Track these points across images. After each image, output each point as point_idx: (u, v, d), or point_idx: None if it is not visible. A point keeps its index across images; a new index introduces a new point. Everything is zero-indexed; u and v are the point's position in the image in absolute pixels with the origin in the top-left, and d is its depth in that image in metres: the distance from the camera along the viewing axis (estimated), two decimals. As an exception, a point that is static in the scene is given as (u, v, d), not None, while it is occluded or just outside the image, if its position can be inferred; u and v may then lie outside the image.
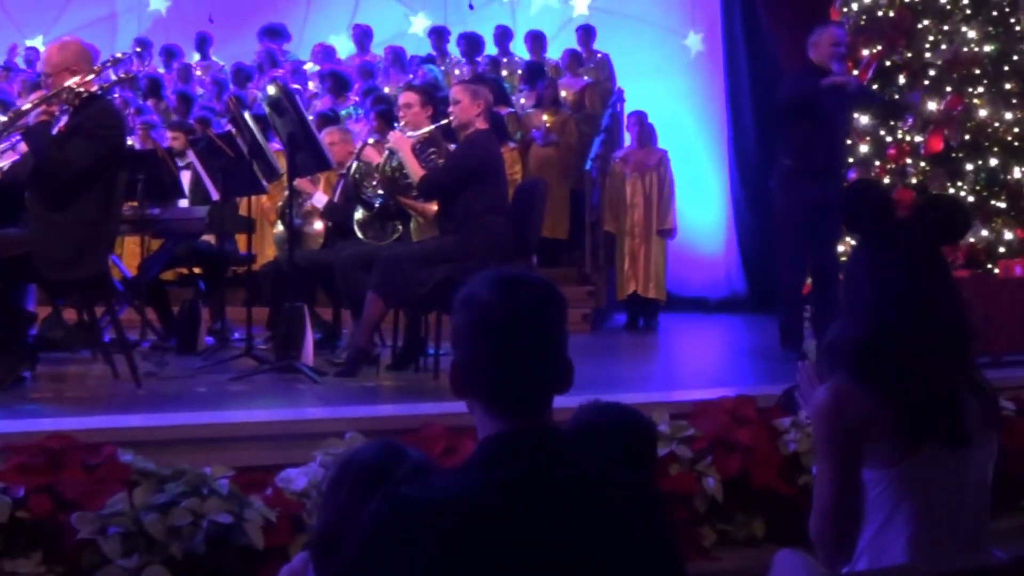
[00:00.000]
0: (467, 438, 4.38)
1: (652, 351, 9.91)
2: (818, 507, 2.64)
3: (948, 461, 2.60)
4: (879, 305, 2.69)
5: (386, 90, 12.39)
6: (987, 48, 9.63)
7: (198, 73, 14.27)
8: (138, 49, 14.05)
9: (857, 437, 2.57)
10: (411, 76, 12.71)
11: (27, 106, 6.08)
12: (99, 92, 6.14)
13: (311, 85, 13.46)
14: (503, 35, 13.62)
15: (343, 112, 11.97)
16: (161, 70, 14.07)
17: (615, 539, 2.01)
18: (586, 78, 12.87)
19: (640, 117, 11.43)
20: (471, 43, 13.24)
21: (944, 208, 2.82)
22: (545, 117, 11.94)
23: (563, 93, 12.41)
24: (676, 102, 13.54)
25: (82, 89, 5.95)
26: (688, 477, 4.75)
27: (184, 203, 8.73)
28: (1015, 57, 9.79)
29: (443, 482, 2.03)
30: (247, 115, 7.53)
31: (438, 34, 13.87)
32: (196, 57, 14.66)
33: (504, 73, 13.30)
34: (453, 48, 13.61)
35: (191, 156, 8.25)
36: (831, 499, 2.61)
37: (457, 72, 12.71)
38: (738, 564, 4.62)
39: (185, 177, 8.81)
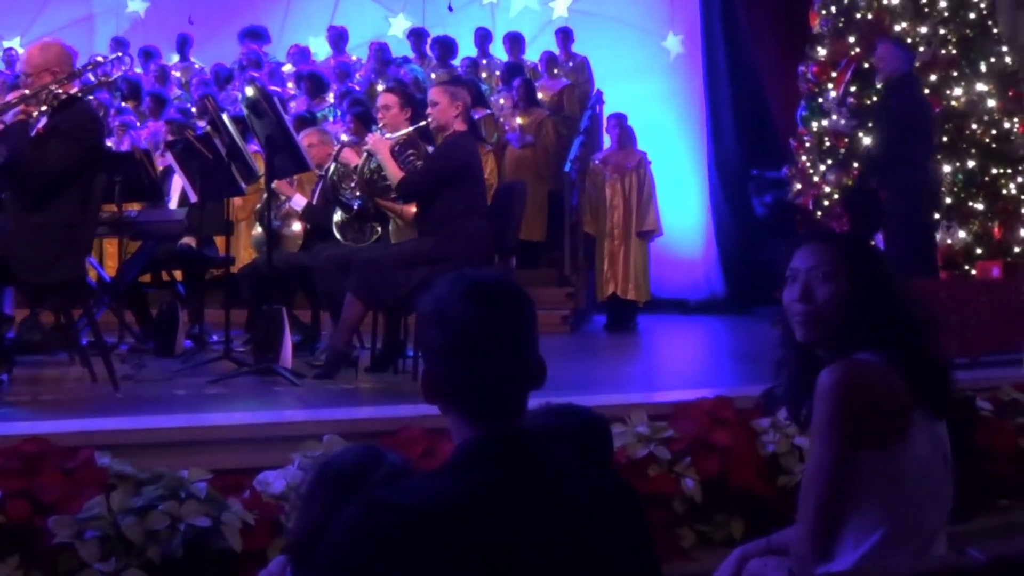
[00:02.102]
0: (446, 440, 4.36)
1: (631, 352, 9.91)
2: (810, 493, 2.63)
3: (929, 438, 2.64)
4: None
5: (379, 88, 12.34)
6: (964, 50, 9.67)
7: (176, 74, 14.23)
8: (118, 54, 13.99)
9: (860, 416, 2.58)
10: (399, 74, 12.69)
11: (5, 105, 6.05)
12: (79, 94, 6.12)
13: (289, 86, 13.44)
14: (484, 37, 13.63)
15: (319, 114, 11.96)
16: (138, 70, 14.03)
17: (593, 539, 2.01)
18: (564, 79, 12.88)
19: (620, 119, 11.45)
20: (444, 47, 13.25)
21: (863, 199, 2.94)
22: (519, 120, 11.94)
23: (540, 95, 12.41)
24: (656, 104, 13.56)
25: (61, 91, 5.93)
26: (667, 478, 4.75)
27: (173, 205, 8.71)
28: (992, 59, 9.85)
29: (419, 486, 2.02)
30: (225, 116, 7.51)
31: (417, 35, 13.86)
32: (175, 58, 14.62)
33: (484, 75, 13.30)
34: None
35: (169, 158, 8.22)
36: (826, 484, 2.60)
37: (434, 76, 12.69)
38: (717, 565, 4.60)
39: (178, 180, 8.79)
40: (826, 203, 9.72)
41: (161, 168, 8.90)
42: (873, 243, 2.37)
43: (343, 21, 14.69)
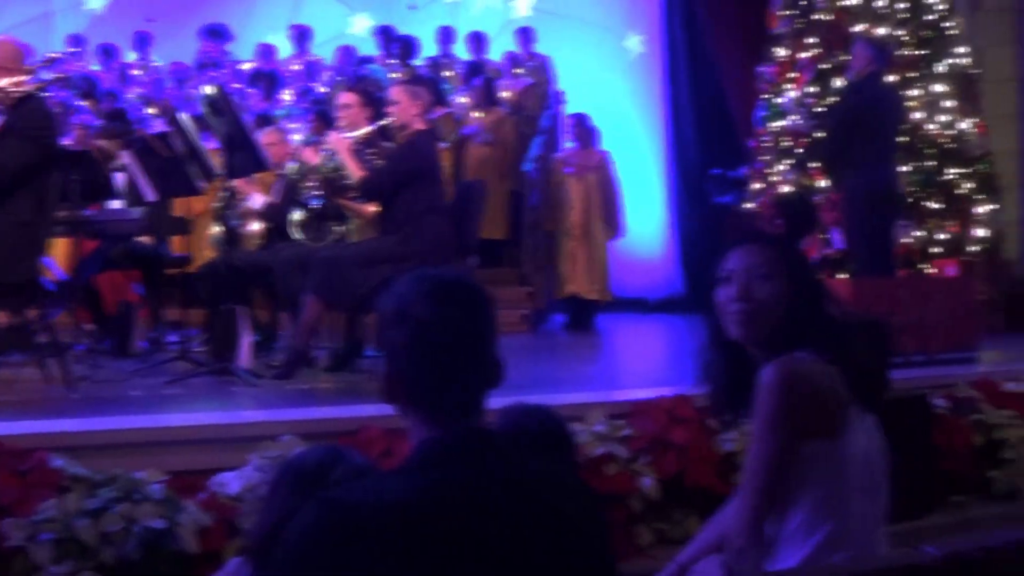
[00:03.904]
0: (405, 440, 4.34)
1: (590, 351, 9.92)
2: (751, 486, 2.67)
3: (865, 432, 2.71)
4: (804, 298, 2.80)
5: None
6: (922, 52, 9.73)
7: (136, 72, 14.12)
8: (74, 49, 13.87)
9: (804, 409, 2.62)
10: (360, 73, 12.63)
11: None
12: (33, 92, 6.06)
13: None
14: (446, 36, 13.58)
15: (278, 113, 11.91)
16: (95, 67, 13.91)
17: (550, 538, 2.00)
18: (527, 79, 12.86)
19: (581, 118, 11.46)
20: (406, 46, 13.19)
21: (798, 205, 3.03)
22: (476, 115, 11.91)
23: (504, 94, 12.40)
24: (617, 104, 13.59)
25: (15, 89, 5.87)
26: (625, 476, 4.76)
27: (119, 204, 8.64)
28: (949, 60, 9.91)
29: (375, 485, 2.01)
30: (183, 116, 7.46)
31: (385, 33, 13.78)
32: (133, 56, 14.50)
33: (446, 74, 13.25)
34: (393, 49, 13.55)
35: (126, 157, 8.15)
36: (766, 478, 2.64)
37: (394, 75, 12.63)
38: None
39: (120, 179, 8.72)
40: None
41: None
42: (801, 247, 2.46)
43: (304, 19, 14.61)
